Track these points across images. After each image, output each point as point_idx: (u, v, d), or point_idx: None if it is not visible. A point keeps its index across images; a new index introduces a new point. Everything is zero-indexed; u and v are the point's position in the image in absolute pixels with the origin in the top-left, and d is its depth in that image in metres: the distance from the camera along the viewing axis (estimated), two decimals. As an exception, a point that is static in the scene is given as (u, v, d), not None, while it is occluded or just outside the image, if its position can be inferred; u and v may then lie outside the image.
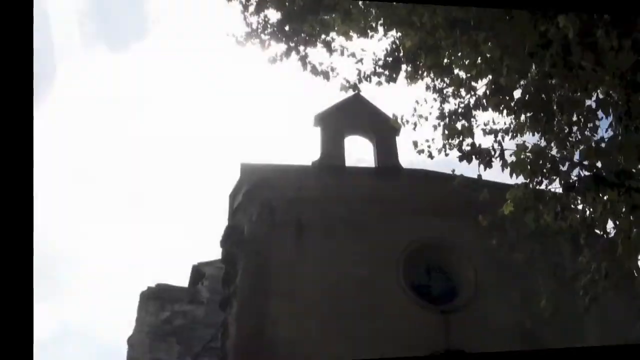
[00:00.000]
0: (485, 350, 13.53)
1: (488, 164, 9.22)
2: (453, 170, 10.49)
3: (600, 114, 7.97)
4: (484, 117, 13.04)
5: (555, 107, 8.41)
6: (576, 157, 8.19)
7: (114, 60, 65.21)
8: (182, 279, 34.93)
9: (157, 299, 29.30)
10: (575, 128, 8.35)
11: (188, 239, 64.69)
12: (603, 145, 7.69)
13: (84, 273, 69.14)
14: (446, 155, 10.31)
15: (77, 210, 65.79)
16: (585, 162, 7.86)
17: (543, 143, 8.75)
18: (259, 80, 63.63)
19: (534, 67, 8.66)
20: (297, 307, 13.41)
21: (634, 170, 7.37)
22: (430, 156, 10.67)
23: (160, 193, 67.95)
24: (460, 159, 9.43)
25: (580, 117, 8.26)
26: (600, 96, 7.92)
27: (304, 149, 58.16)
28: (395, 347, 12.97)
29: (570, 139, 8.41)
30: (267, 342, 12.89)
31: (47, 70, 60.01)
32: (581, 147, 8.16)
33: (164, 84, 61.24)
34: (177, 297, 29.25)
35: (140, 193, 68.62)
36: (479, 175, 9.97)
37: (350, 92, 11.07)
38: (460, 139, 9.98)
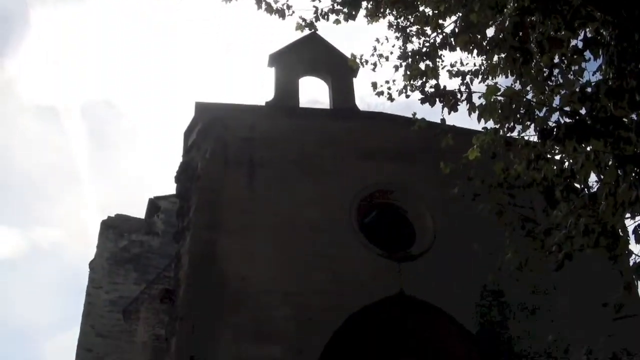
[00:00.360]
0: (441, 300, 12.63)
1: (453, 107, 7.70)
2: (414, 114, 8.98)
3: (587, 55, 6.50)
4: (450, 58, 11.65)
5: (534, 47, 6.90)
6: (556, 102, 6.70)
7: (78, 5, 62.57)
8: (139, 211, 34.77)
9: (116, 228, 29.53)
10: (556, 71, 6.85)
11: (147, 173, 63.88)
12: (589, 90, 6.21)
13: (55, 199, 67.79)
14: (407, 97, 9.02)
15: (45, 145, 63.71)
16: (567, 108, 6.37)
17: (517, 86, 7.26)
18: (215, 21, 61.37)
19: (511, 2, 7.18)
20: (248, 245, 12.39)
21: (625, 120, 5.92)
22: (390, 98, 9.38)
23: (122, 129, 66.11)
24: (422, 101, 7.94)
25: (564, 58, 6.78)
26: (589, 35, 6.44)
27: (259, 89, 56.77)
28: (346, 290, 12.20)
29: (550, 82, 6.92)
30: (217, 276, 11.92)
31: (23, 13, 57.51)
32: (562, 91, 6.69)
33: (124, 26, 58.77)
34: (135, 227, 29.24)
35: (104, 129, 66.88)
36: (443, 119, 8.53)
37: (307, 32, 9.84)
38: (424, 80, 8.60)
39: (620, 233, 6.12)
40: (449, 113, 7.74)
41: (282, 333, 11.44)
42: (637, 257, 6.01)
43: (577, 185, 6.71)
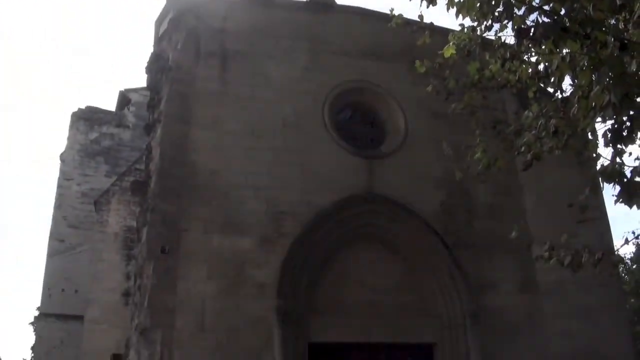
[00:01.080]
0: (409, 198, 12.82)
1: (432, 1, 7.56)
2: (391, 10, 8.79)
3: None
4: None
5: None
6: (536, 1, 6.57)
7: None
8: (110, 104, 34.39)
9: (86, 120, 29.04)
10: (538, -32, 6.66)
11: (117, 65, 62.50)
12: (569, -11, 6.08)
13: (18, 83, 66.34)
14: (385, -12, 8.74)
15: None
16: (546, 7, 6.25)
17: (498, -16, 7.07)
18: None
19: None
20: (220, 138, 12.29)
21: (604, 26, 5.84)
22: (369, -9, 9.11)
23: (92, 18, 63.98)
24: (401, -7, 7.66)
25: (546, -47, 6.58)
26: None
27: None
28: (316, 186, 12.34)
29: (531, -20, 6.75)
30: (188, 168, 11.86)
31: None
32: (543, -10, 6.54)
33: None
34: (105, 119, 28.97)
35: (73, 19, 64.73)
36: (420, 16, 8.41)
37: None
38: (403, -29, 8.35)
39: (590, 136, 6.17)
40: (427, 7, 7.60)
41: (252, 226, 11.59)
42: (605, 160, 6.10)
43: (551, 90, 6.72)
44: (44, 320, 25.20)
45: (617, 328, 12.52)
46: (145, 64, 13.99)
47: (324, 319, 11.67)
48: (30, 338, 31.16)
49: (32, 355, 26.60)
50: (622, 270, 29.25)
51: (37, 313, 26.21)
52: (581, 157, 7.13)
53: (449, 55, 7.65)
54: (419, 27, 8.37)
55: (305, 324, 11.42)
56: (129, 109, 28.58)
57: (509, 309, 12.56)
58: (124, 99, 29.05)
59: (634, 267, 30.35)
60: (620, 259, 6.98)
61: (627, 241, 6.48)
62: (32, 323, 26.39)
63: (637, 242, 19.93)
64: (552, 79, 6.33)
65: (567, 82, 6.33)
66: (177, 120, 12.19)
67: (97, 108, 29.20)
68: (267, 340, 10.87)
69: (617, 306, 12.96)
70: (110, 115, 29.07)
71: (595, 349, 12.13)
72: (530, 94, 6.70)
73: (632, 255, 29.59)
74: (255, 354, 10.77)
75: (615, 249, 8.90)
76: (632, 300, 29.12)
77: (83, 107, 29.04)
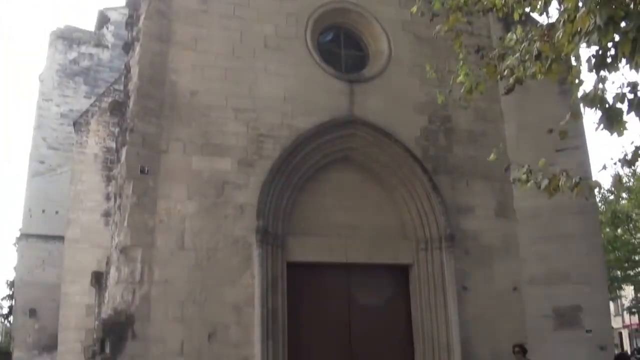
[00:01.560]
0: (389, 122, 12.71)
1: None
2: None
3: None
4: None
5: None
6: None
7: None
8: (89, 24, 33.81)
9: (65, 39, 28.26)
10: None
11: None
12: None
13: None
14: None
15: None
16: None
17: None
18: None
19: None
20: (199, 58, 12.01)
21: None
22: None
23: None
24: None
25: None
26: None
27: None
28: (297, 109, 12.22)
29: None
30: (167, 89, 11.64)
31: None
32: None
33: None
34: (84, 39, 28.30)
35: None
36: None
37: None
38: None
39: (574, 62, 6.06)
40: None
41: (233, 147, 11.53)
42: (587, 87, 6.01)
43: (536, 17, 6.56)
44: (25, 240, 25.36)
45: (590, 255, 12.74)
46: (124, -21, 13.50)
47: (302, 239, 11.82)
48: (14, 259, 31.32)
49: (15, 275, 26.79)
50: (600, 199, 29.68)
51: (19, 234, 26.32)
52: (563, 86, 7.04)
53: (433, -25, 7.43)
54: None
55: (283, 244, 11.57)
56: (107, 28, 27.99)
57: (485, 232, 12.74)
58: (103, 18, 28.39)
59: (611, 197, 30.79)
60: (597, 184, 7.00)
61: (604, 167, 6.46)
62: (14, 244, 26.49)
63: (616, 172, 20.02)
64: (539, 2, 6.17)
65: (553, 7, 6.19)
66: (156, 39, 11.85)
67: (75, 27, 28.59)
68: (246, 259, 11.03)
69: (592, 234, 13.15)
70: (89, 35, 28.49)
71: (567, 273, 12.41)
72: (516, 16, 6.54)
73: (609, 186, 29.89)
74: (234, 271, 10.93)
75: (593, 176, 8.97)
76: (607, 229, 29.69)
77: (62, 26, 28.42)
